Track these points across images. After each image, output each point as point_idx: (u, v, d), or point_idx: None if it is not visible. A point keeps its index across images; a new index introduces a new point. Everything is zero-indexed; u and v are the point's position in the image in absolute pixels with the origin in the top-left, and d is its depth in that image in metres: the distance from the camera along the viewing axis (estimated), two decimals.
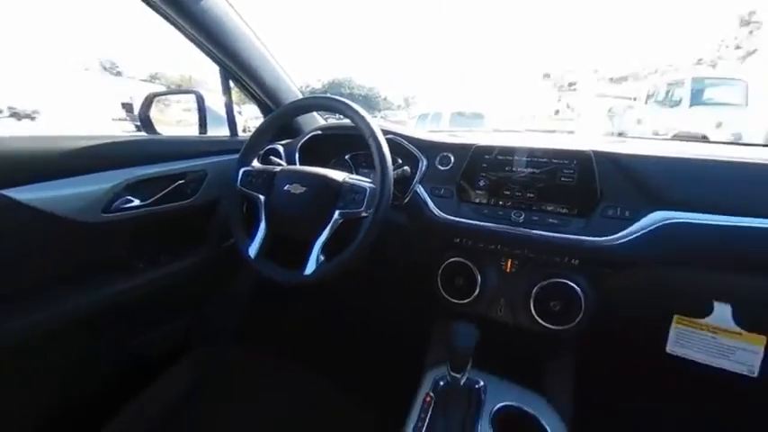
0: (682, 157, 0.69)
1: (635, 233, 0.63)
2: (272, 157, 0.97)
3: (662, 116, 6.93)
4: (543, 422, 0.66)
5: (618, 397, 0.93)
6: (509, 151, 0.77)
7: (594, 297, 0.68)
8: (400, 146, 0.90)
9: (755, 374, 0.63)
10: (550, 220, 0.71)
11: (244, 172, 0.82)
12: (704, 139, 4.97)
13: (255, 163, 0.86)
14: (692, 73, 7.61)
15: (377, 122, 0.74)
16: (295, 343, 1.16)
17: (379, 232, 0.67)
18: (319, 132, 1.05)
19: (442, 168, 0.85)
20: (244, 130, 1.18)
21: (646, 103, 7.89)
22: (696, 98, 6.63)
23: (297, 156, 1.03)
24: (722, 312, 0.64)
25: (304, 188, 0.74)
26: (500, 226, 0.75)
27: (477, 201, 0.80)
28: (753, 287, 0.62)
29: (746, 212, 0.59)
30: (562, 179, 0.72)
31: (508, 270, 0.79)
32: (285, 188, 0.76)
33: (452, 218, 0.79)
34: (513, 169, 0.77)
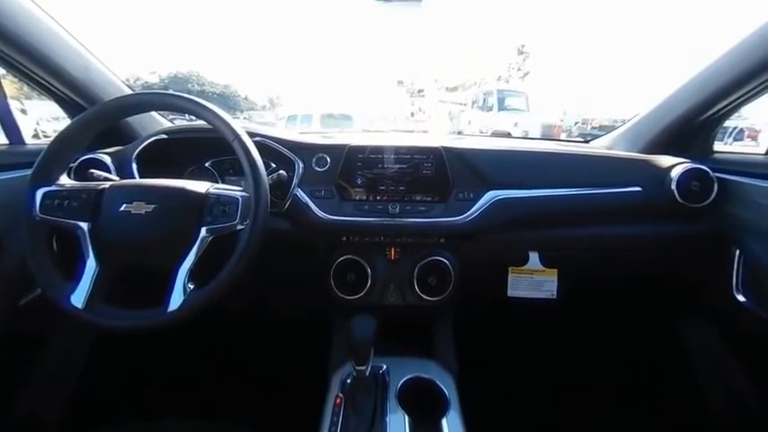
0: (499, 149, 0.92)
1: (477, 210, 0.81)
2: (93, 171, 0.73)
3: (483, 118, 9.21)
4: (438, 382, 0.76)
5: (484, 343, 1.17)
6: (380, 150, 0.84)
7: (458, 266, 0.83)
8: (272, 149, 0.84)
9: (555, 296, 0.91)
10: (420, 208, 0.82)
11: (45, 193, 0.59)
12: (509, 135, 6.82)
13: (64, 179, 0.63)
14: (496, 86, 10.47)
15: (240, 124, 0.67)
16: (169, 404, 0.94)
17: (260, 244, 0.61)
18: (164, 137, 0.86)
19: (320, 170, 0.85)
20: (36, 136, 0.84)
21: (472, 108, 10.25)
22: (501, 105, 9.14)
23: (134, 166, 0.82)
24: (534, 258, 0.90)
25: (152, 206, 0.59)
26: (381, 219, 0.81)
27: (358, 198, 0.84)
28: (547, 237, 0.89)
29: (543, 186, 0.84)
30: (424, 171, 0.84)
31: (393, 258, 0.86)
32: (122, 209, 0.59)
33: (337, 218, 0.81)
34: (385, 166, 0.84)
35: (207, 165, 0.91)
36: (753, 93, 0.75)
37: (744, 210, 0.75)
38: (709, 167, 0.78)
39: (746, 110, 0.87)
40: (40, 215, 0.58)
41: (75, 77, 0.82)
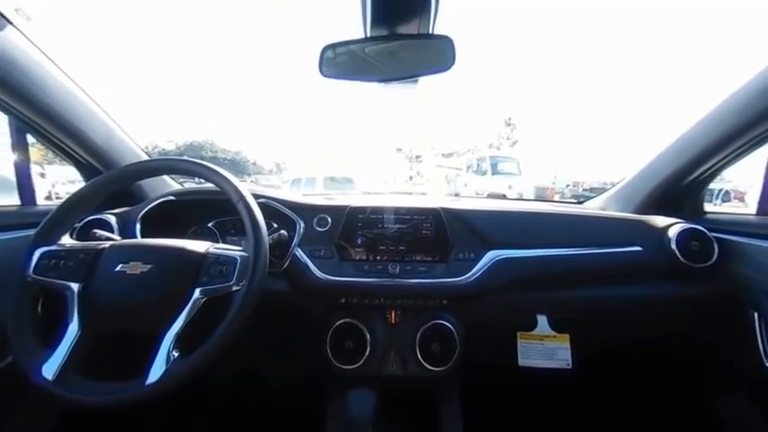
0: (496, 209, 0.94)
1: (479, 271, 0.80)
2: (96, 231, 0.74)
3: (478, 181, 9.69)
4: None
5: (495, 418, 1.04)
6: (380, 210, 0.86)
7: (463, 331, 0.78)
8: (274, 209, 0.86)
9: (570, 366, 0.84)
10: (420, 268, 0.81)
11: (43, 253, 0.59)
12: (504, 196, 7.09)
13: (66, 239, 0.64)
14: (488, 153, 11.28)
15: (246, 186, 0.70)
16: None
17: (255, 305, 0.58)
18: (172, 198, 0.89)
19: (320, 230, 0.86)
20: (48, 198, 0.87)
21: (467, 172, 10.86)
22: (494, 169, 9.67)
23: (137, 227, 0.83)
24: (542, 322, 0.85)
25: (148, 266, 0.58)
26: (381, 279, 0.79)
27: (358, 258, 0.83)
28: (553, 299, 0.85)
29: (543, 246, 0.84)
30: (423, 232, 0.85)
31: (393, 321, 0.82)
32: (117, 269, 0.58)
33: (336, 278, 0.79)
34: (385, 226, 0.85)
35: (210, 225, 0.93)
36: (730, 158, 0.81)
37: (752, 270, 0.74)
38: (704, 227, 0.79)
39: (728, 173, 0.92)
40: (33, 276, 0.57)
41: (98, 145, 0.89)
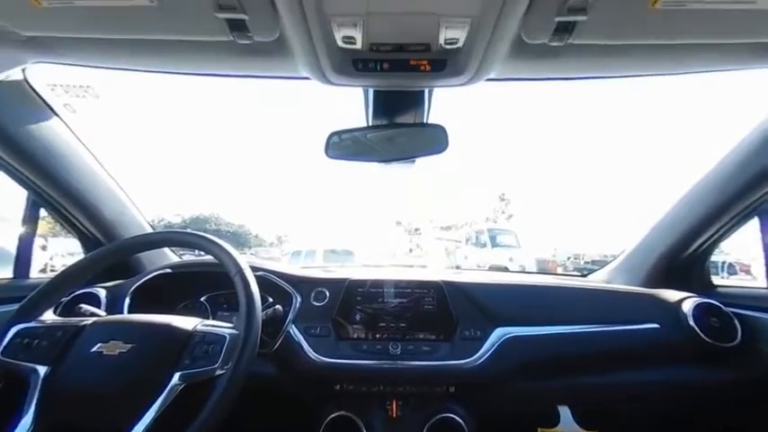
0: (500, 282, 0.91)
1: (487, 352, 0.73)
2: (82, 306, 0.70)
3: (478, 254, 9.68)
4: None
5: None
6: (380, 284, 0.84)
7: (475, 426, 0.68)
8: (271, 282, 0.84)
9: None
10: (423, 348, 0.75)
11: (18, 332, 0.55)
12: (506, 269, 6.97)
13: (49, 315, 0.60)
14: (486, 226, 11.58)
15: (245, 258, 0.69)
16: None
17: (239, 392, 0.52)
18: (169, 271, 0.87)
19: (317, 304, 0.82)
20: (43, 270, 0.86)
21: (466, 244, 10.95)
22: (493, 242, 9.77)
23: (127, 301, 0.79)
24: (565, 415, 0.74)
25: (128, 346, 0.54)
26: (380, 362, 0.72)
27: (356, 336, 0.77)
28: (573, 386, 0.76)
29: (553, 322, 0.79)
30: (425, 307, 0.81)
31: (394, 414, 0.72)
32: (94, 349, 0.53)
33: (331, 360, 0.72)
34: (385, 300, 0.82)
35: (202, 299, 0.89)
36: (720, 233, 0.82)
37: None
38: (718, 302, 0.76)
39: (726, 245, 0.93)
40: (1, 357, 0.52)
41: (107, 219, 0.92)
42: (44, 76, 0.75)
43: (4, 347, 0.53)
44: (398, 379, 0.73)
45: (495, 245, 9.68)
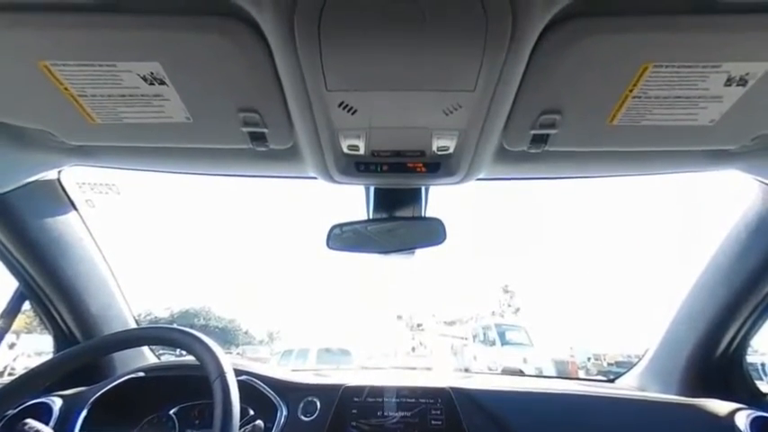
0: (517, 390, 0.80)
1: None
2: (27, 421, 0.59)
3: (487, 353, 8.78)
4: None
5: None
6: (379, 392, 0.73)
7: None
8: (255, 390, 0.73)
9: None
10: None
11: None
12: (521, 372, 6.21)
13: None
14: (493, 321, 10.79)
15: (230, 359, 0.62)
16: None
17: None
18: (141, 374, 0.77)
19: (306, 419, 0.70)
20: (1, 373, 0.76)
21: (474, 342, 10.03)
22: (502, 339, 8.98)
23: (82, 415, 0.67)
24: None
25: None
26: None
27: None
28: None
29: None
30: (433, 422, 0.69)
31: None
32: None
33: None
34: (385, 414, 0.70)
35: (171, 412, 0.76)
36: (750, 323, 0.76)
37: None
38: None
39: (759, 344, 0.85)
40: None
41: (92, 314, 0.86)
42: (75, 173, 0.82)
43: None
44: None
45: (504, 342, 8.87)
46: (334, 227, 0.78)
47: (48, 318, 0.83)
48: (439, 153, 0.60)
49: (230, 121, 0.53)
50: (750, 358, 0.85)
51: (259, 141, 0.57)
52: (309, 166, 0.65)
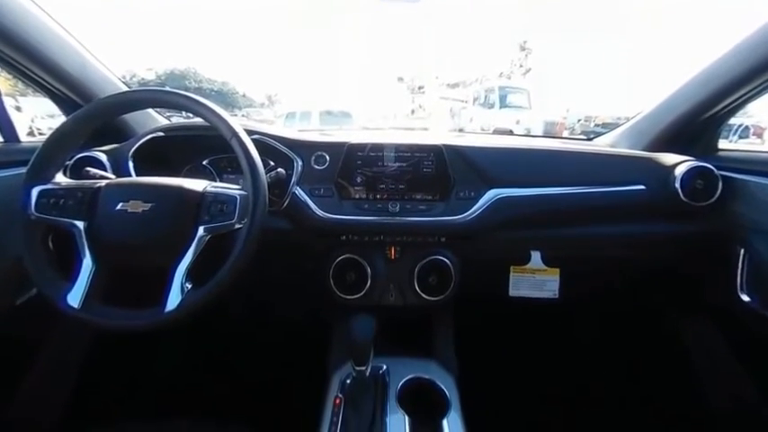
0: (501, 147, 0.90)
1: (479, 209, 0.80)
2: (89, 169, 0.72)
3: (484, 115, 9.13)
4: (439, 383, 0.76)
5: (485, 343, 1.16)
6: (380, 148, 0.83)
7: (459, 265, 0.82)
8: (270, 147, 0.83)
9: (557, 296, 0.90)
10: (420, 207, 0.81)
11: (41, 192, 0.59)
12: (510, 132, 6.77)
13: (60, 177, 0.62)
14: (498, 83, 10.34)
15: (238, 121, 0.66)
16: (167, 406, 0.93)
17: (258, 243, 0.60)
18: (161, 134, 0.85)
19: (319, 168, 0.84)
20: (31, 133, 0.83)
21: (473, 105, 10.15)
22: (503, 102, 9.04)
23: (130, 164, 0.81)
24: (536, 257, 0.89)
25: (149, 205, 0.58)
26: (380, 218, 0.80)
27: (357, 196, 0.83)
28: (549, 236, 0.88)
29: (544, 184, 0.83)
30: (424, 170, 0.83)
31: (393, 257, 0.85)
32: (118, 208, 0.58)
33: (336, 216, 0.80)
34: (385, 164, 0.83)
35: (205, 163, 0.90)
36: (757, 90, 0.74)
37: (750, 209, 0.74)
38: (713, 165, 0.77)
39: (752, 107, 0.86)
40: (36, 214, 0.58)
41: (71, 75, 0.81)
42: None
43: (35, 206, 0.58)
44: (397, 231, 0.82)
45: (503, 105, 8.98)
46: None
47: (27, 79, 0.79)
48: None
49: None
50: (734, 120, 0.88)
51: None
52: None
